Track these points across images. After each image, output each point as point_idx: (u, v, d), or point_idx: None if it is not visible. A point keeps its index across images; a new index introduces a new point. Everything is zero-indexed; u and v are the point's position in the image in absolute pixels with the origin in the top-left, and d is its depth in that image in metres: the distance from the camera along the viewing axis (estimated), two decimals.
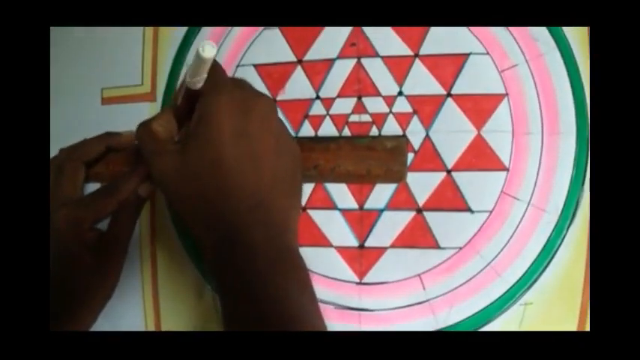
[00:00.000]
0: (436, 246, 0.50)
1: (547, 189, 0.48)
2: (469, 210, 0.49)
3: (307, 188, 0.53)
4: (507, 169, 0.48)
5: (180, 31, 0.58)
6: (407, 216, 0.50)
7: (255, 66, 0.55)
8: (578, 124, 0.47)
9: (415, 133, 0.50)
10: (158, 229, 0.58)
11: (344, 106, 0.52)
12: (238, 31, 0.56)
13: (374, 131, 0.51)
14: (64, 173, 0.52)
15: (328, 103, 0.53)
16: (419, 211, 0.50)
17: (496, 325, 0.48)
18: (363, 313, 0.51)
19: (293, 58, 0.54)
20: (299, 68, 0.54)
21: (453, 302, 0.49)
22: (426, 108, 0.50)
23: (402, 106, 0.51)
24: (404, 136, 0.51)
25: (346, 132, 0.52)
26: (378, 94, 0.52)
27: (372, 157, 0.50)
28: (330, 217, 0.52)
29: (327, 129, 0.53)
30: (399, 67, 0.51)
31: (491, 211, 0.49)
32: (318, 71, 0.53)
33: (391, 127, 0.51)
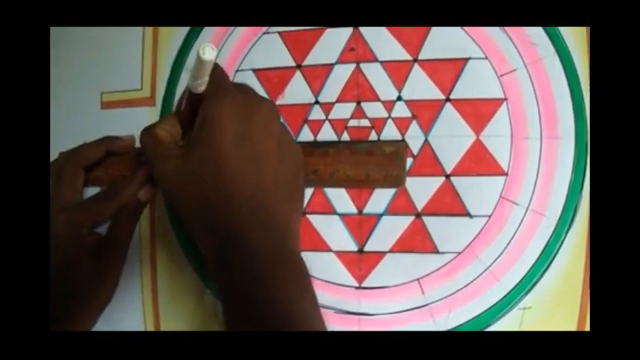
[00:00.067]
0: (435, 250, 0.50)
1: (546, 193, 0.48)
2: (468, 215, 0.49)
3: (306, 193, 0.53)
4: (506, 174, 0.49)
5: (180, 36, 0.58)
6: (406, 221, 0.50)
7: (255, 71, 0.55)
8: (576, 129, 0.47)
9: (414, 138, 0.51)
10: (158, 234, 0.58)
11: (343, 110, 0.52)
12: (237, 36, 0.56)
13: (373, 136, 0.52)
14: (63, 177, 0.52)
15: (327, 107, 0.53)
16: (418, 215, 0.50)
17: (495, 330, 0.48)
18: (362, 317, 0.51)
19: (292, 63, 0.54)
20: (298, 73, 0.54)
21: (452, 306, 0.49)
22: (425, 113, 0.50)
23: (401, 110, 0.51)
24: (403, 140, 0.51)
25: (345, 137, 0.52)
26: (377, 98, 0.52)
27: (371, 162, 0.50)
28: (330, 221, 0.52)
29: (327, 134, 0.53)
30: (398, 72, 0.51)
31: (490, 216, 0.49)
32: (317, 76, 0.53)
33: (390, 132, 0.51)
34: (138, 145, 0.48)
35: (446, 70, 0.50)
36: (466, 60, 0.50)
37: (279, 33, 0.55)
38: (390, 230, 0.51)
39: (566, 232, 0.47)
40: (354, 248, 0.52)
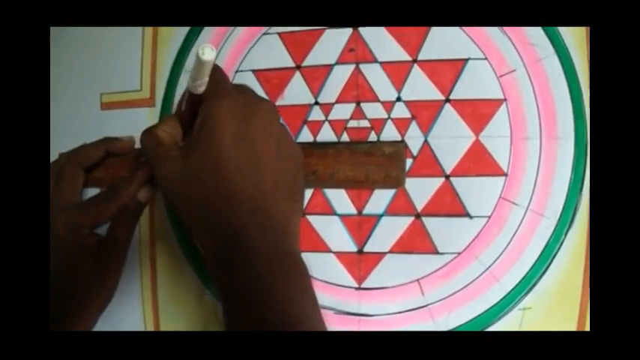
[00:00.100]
0: (435, 251, 0.50)
1: (545, 194, 0.48)
2: (467, 215, 0.49)
3: (306, 194, 0.53)
4: (506, 175, 0.49)
5: (179, 36, 0.58)
6: (405, 221, 0.50)
7: (254, 71, 0.55)
8: (576, 129, 0.47)
9: (414, 139, 0.51)
10: (158, 234, 0.58)
11: (343, 111, 0.52)
12: (237, 37, 0.56)
13: (372, 137, 0.52)
14: (63, 178, 0.52)
15: (327, 108, 0.53)
16: (417, 216, 0.50)
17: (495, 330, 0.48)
18: (362, 318, 0.51)
19: (292, 64, 0.54)
20: (298, 74, 0.54)
21: (452, 307, 0.49)
22: (425, 113, 0.51)
23: (401, 111, 0.51)
24: (402, 141, 0.51)
25: (345, 137, 0.52)
26: (376, 99, 0.52)
27: (370, 163, 0.50)
28: (329, 222, 0.52)
29: (326, 134, 0.53)
30: (398, 73, 0.51)
31: (489, 217, 0.49)
32: (316, 77, 0.53)
33: (390, 133, 0.51)
34: (137, 146, 0.48)
35: (445, 70, 0.50)
36: (465, 60, 0.50)
37: (279, 34, 0.55)
38: (389, 231, 0.51)
39: (566, 233, 0.47)
40: (354, 249, 0.52)
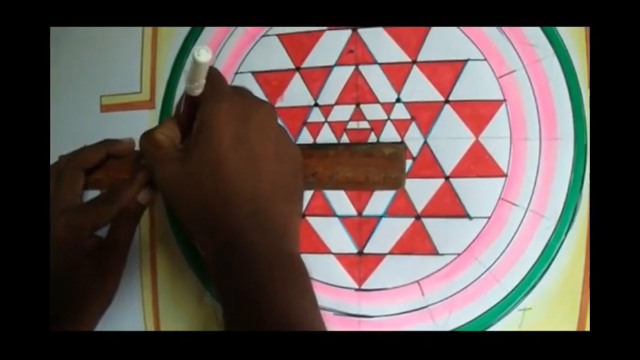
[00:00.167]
0: (435, 252, 0.50)
1: (545, 194, 0.48)
2: (467, 216, 0.49)
3: (306, 195, 0.53)
4: (505, 175, 0.49)
5: (179, 38, 0.58)
6: (405, 222, 0.50)
7: (254, 73, 0.55)
8: (575, 130, 0.47)
9: (413, 140, 0.51)
10: (158, 236, 0.58)
11: (342, 113, 0.53)
12: (236, 39, 0.56)
13: (372, 138, 0.52)
14: (63, 180, 0.52)
15: (326, 110, 0.53)
16: (417, 217, 0.50)
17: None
18: (362, 319, 0.51)
19: (291, 66, 0.54)
20: (297, 75, 0.54)
21: (452, 308, 0.49)
22: (424, 114, 0.51)
23: (400, 112, 0.51)
24: (402, 142, 0.51)
25: (345, 139, 0.52)
26: (376, 101, 0.52)
27: (370, 164, 0.50)
28: (329, 223, 0.52)
29: (326, 136, 0.53)
30: (397, 74, 0.51)
31: (489, 217, 0.49)
32: (316, 78, 0.53)
33: (389, 134, 0.51)
34: (137, 148, 0.48)
35: (445, 71, 0.50)
36: (465, 61, 0.50)
37: (278, 35, 0.55)
38: (389, 232, 0.51)
39: (566, 233, 0.47)
40: (354, 250, 0.52)
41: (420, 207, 0.50)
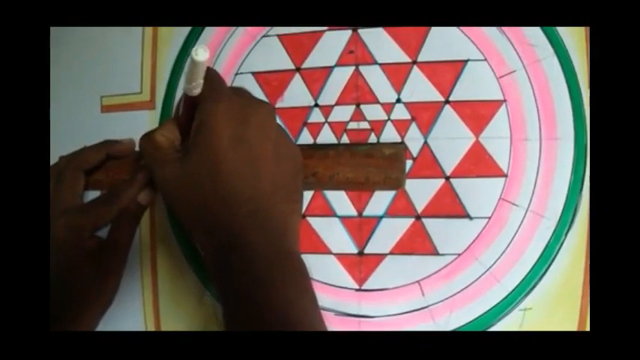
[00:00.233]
0: (435, 252, 0.50)
1: (545, 195, 0.48)
2: (468, 216, 0.49)
3: (306, 195, 0.53)
4: (506, 175, 0.49)
5: (179, 39, 0.58)
6: (406, 223, 0.50)
7: (254, 74, 0.55)
8: (576, 130, 0.47)
9: (413, 140, 0.51)
10: (158, 237, 0.58)
11: (342, 113, 0.53)
12: (236, 39, 0.56)
13: (372, 138, 0.52)
14: (63, 181, 0.52)
15: (327, 110, 0.53)
16: (418, 217, 0.50)
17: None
18: (362, 319, 0.51)
19: (291, 66, 0.54)
20: (297, 76, 0.54)
21: (453, 308, 0.49)
22: (425, 115, 0.51)
23: (401, 113, 0.51)
24: (402, 143, 0.51)
25: (345, 139, 0.52)
26: (376, 101, 0.52)
27: (370, 165, 0.50)
28: (330, 224, 0.52)
29: (326, 136, 0.53)
30: (397, 74, 0.51)
31: (489, 218, 0.49)
32: (316, 79, 0.54)
33: (389, 135, 0.51)
34: (138, 148, 0.48)
35: (445, 72, 0.50)
36: (465, 62, 0.50)
37: (278, 36, 0.55)
38: (390, 232, 0.51)
39: (566, 233, 0.47)
40: (354, 251, 0.52)
41: (420, 207, 0.50)
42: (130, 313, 0.58)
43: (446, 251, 0.49)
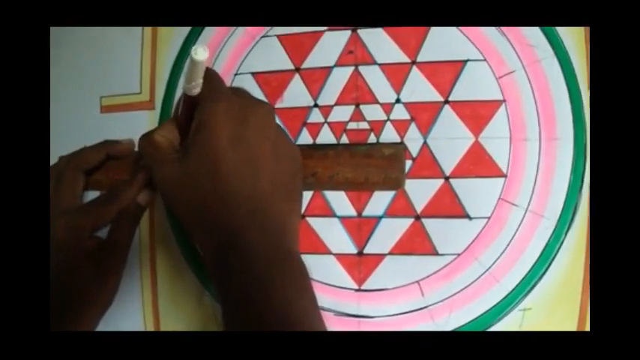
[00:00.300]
0: (434, 252, 0.50)
1: (545, 195, 0.48)
2: (467, 216, 0.49)
3: (306, 196, 0.53)
4: (505, 176, 0.49)
5: (179, 39, 0.58)
6: (405, 223, 0.50)
7: (253, 74, 0.55)
8: (575, 130, 0.48)
9: (413, 140, 0.51)
10: (157, 237, 0.58)
11: (342, 113, 0.53)
12: (236, 40, 0.56)
13: (372, 139, 0.52)
14: (63, 181, 0.53)
15: (326, 110, 0.53)
16: (417, 217, 0.50)
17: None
18: (362, 319, 0.51)
19: (291, 66, 0.54)
20: (297, 76, 0.54)
21: (452, 308, 0.49)
22: (424, 115, 0.51)
23: (400, 113, 0.51)
24: (402, 143, 0.51)
25: (344, 139, 0.52)
26: (375, 101, 0.52)
27: (370, 165, 0.50)
28: (329, 224, 0.52)
29: (326, 137, 0.53)
30: (397, 75, 0.51)
31: (489, 218, 0.49)
32: (315, 79, 0.54)
33: (389, 135, 0.51)
34: (137, 148, 0.48)
35: (444, 72, 0.50)
36: (464, 62, 0.50)
37: (278, 36, 0.55)
38: (389, 232, 0.51)
39: (566, 233, 0.47)
40: (354, 251, 0.52)
41: (419, 207, 0.50)
42: (130, 313, 0.58)
43: (445, 251, 0.49)
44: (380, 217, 0.51)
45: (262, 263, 0.40)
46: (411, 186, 0.50)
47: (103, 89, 0.61)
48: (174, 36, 0.58)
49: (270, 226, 0.42)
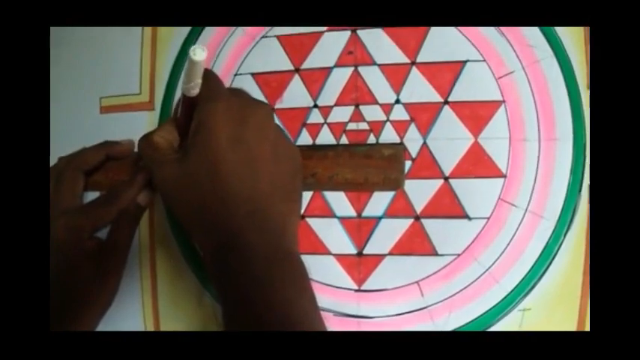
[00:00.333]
0: (434, 253, 0.50)
1: (544, 195, 0.48)
2: (467, 217, 0.49)
3: (306, 196, 0.53)
4: (504, 176, 0.49)
5: (178, 39, 0.58)
6: (405, 223, 0.50)
7: (253, 75, 0.56)
8: (575, 130, 0.48)
9: (412, 141, 0.51)
10: (157, 237, 0.58)
11: (341, 114, 0.53)
12: (235, 40, 0.56)
13: (371, 139, 0.52)
14: (63, 182, 0.52)
15: (326, 111, 0.53)
16: (417, 218, 0.50)
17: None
18: (361, 320, 0.51)
19: (290, 67, 0.54)
20: (296, 77, 0.54)
21: (452, 308, 0.49)
22: (423, 115, 0.51)
23: (400, 113, 0.51)
24: (401, 143, 0.51)
25: (344, 140, 0.52)
26: (375, 102, 0.52)
27: (369, 165, 0.50)
28: (329, 225, 0.52)
29: (325, 137, 0.53)
30: (396, 75, 0.51)
31: (488, 218, 0.49)
32: (315, 80, 0.54)
33: (389, 135, 0.51)
34: (137, 149, 0.48)
35: (444, 72, 0.50)
36: (464, 63, 0.50)
37: (277, 37, 0.55)
38: (389, 233, 0.51)
39: (565, 234, 0.47)
40: (354, 251, 0.52)
41: (419, 208, 0.50)
42: (130, 313, 0.58)
43: (445, 252, 0.49)
44: (379, 218, 0.51)
45: (262, 264, 0.40)
46: (411, 186, 0.50)
47: (103, 90, 0.61)
48: (174, 36, 0.58)
49: (269, 227, 0.42)
